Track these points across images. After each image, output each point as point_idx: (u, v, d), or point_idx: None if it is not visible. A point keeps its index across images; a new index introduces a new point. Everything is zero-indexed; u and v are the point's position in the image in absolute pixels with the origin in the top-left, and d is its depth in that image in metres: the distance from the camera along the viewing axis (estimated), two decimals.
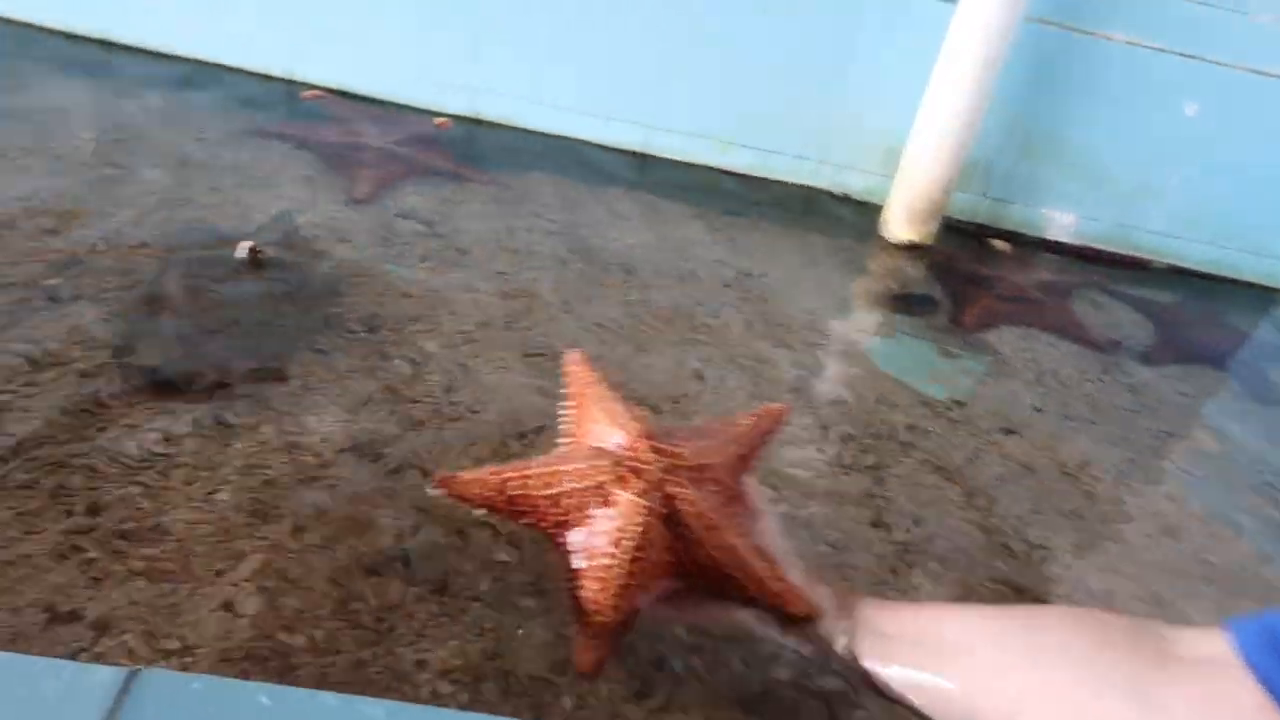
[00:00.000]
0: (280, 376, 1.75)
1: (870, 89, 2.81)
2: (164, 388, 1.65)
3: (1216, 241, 3.09)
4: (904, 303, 2.60)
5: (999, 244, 2.96)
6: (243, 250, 1.91)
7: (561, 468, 0.78)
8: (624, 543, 0.72)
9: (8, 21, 2.84)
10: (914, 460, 1.96)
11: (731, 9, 2.72)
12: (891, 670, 0.78)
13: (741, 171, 3.00)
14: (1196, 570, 1.92)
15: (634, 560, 0.72)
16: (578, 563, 0.76)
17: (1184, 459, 2.25)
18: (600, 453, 0.78)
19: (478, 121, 2.94)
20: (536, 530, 0.80)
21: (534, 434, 1.77)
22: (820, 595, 0.83)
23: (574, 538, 0.76)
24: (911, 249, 2.83)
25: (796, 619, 0.79)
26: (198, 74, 2.84)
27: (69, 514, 1.40)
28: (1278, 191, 2.99)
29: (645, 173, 2.95)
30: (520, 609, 1.40)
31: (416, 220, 2.37)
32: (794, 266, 2.62)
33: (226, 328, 1.80)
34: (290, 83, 2.88)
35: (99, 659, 1.22)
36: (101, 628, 1.25)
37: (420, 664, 1.29)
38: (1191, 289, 3.08)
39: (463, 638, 1.34)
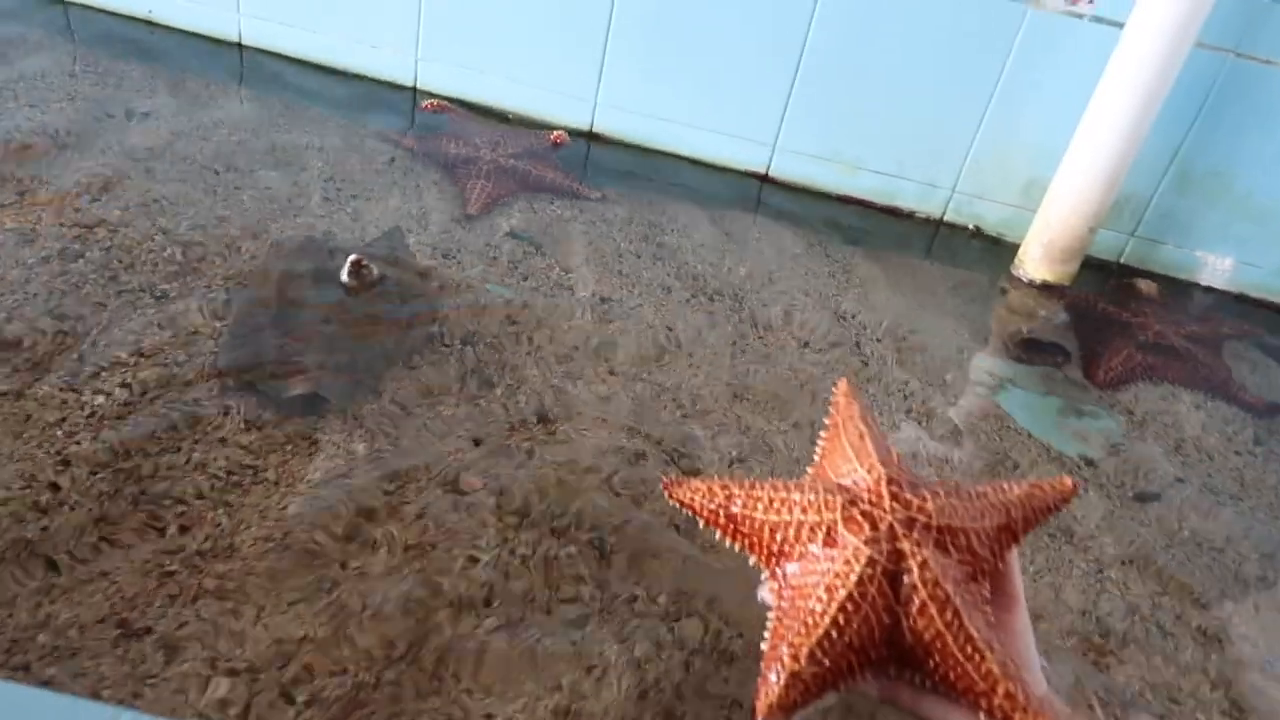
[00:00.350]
0: (373, 392, 1.76)
1: (1016, 113, 2.65)
2: (258, 398, 1.68)
3: None
4: (1034, 349, 2.43)
5: (1145, 285, 2.74)
6: (348, 264, 1.93)
7: (792, 496, 0.71)
8: (837, 590, 0.64)
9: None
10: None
11: (867, 22, 2.60)
12: None
13: (866, 198, 2.87)
14: None
15: (843, 611, 0.64)
16: (784, 599, 0.69)
17: None
18: (838, 489, 0.71)
19: (596, 137, 2.91)
20: (750, 553, 0.73)
21: (632, 463, 1.72)
22: (1059, 714, 0.68)
23: (789, 569, 0.70)
24: (1046, 289, 2.65)
25: None
26: (323, 77, 2.91)
27: (155, 530, 1.43)
28: None
29: (765, 196, 2.87)
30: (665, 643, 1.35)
31: (524, 239, 2.36)
32: (915, 306, 2.49)
33: (326, 341, 1.82)
34: (413, 90, 2.92)
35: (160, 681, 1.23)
36: (170, 648, 1.27)
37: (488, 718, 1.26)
38: None
39: (542, 695, 1.30)
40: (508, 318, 2.05)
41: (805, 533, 0.69)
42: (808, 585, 0.66)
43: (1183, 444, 2.21)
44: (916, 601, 0.65)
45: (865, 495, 0.70)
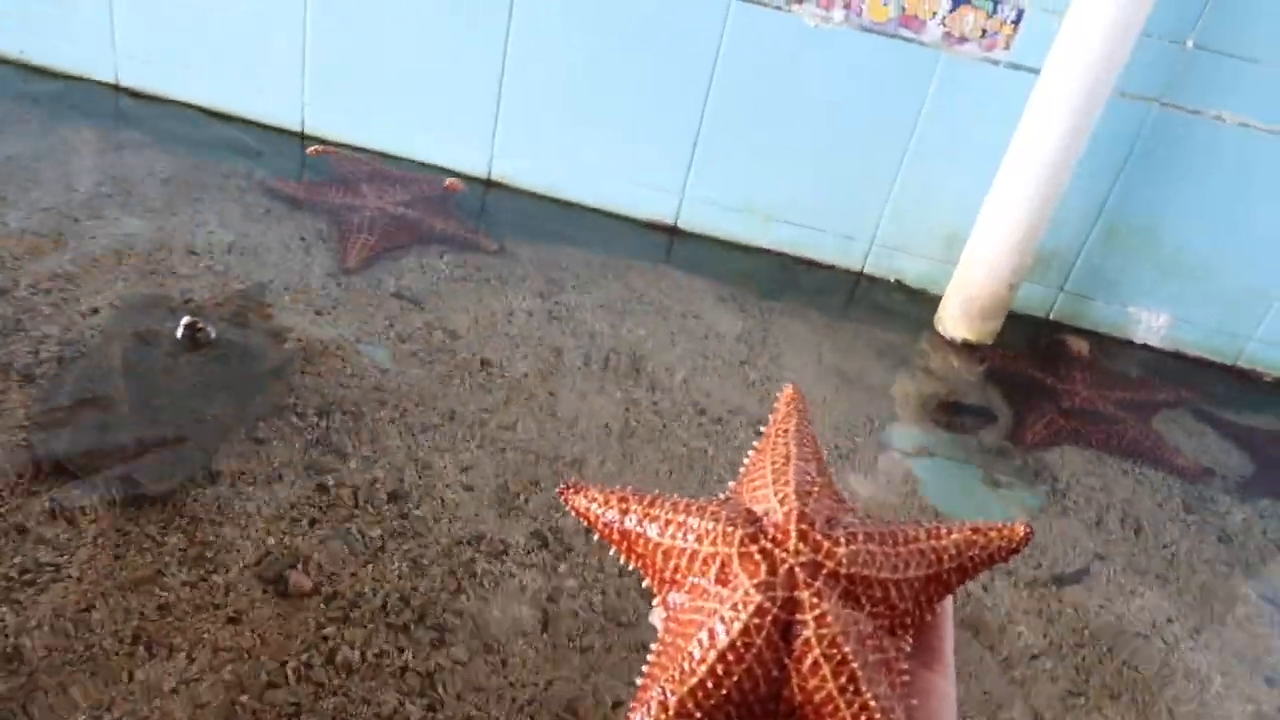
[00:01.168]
0: (203, 472, 1.60)
1: (934, 162, 2.57)
2: (69, 480, 1.52)
3: None
4: (954, 414, 2.32)
5: (1075, 344, 2.66)
6: (182, 327, 1.79)
7: (690, 520, 0.63)
8: (719, 636, 0.57)
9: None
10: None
11: (775, 64, 2.52)
12: None
13: (783, 250, 2.78)
14: None
15: (723, 660, 0.56)
16: (669, 632, 0.61)
17: None
18: (744, 518, 0.63)
19: (494, 184, 2.80)
20: (644, 574, 0.66)
21: (492, 555, 1.57)
22: None
23: (677, 599, 0.63)
24: (969, 349, 2.55)
25: None
26: (204, 122, 2.78)
27: None
28: None
29: (675, 249, 2.76)
30: None
31: (407, 296, 2.22)
32: (831, 366, 2.38)
33: (152, 415, 1.66)
34: (300, 136, 2.79)
35: None
36: None
37: None
38: None
39: None
40: (375, 385, 1.91)
41: (699, 564, 0.63)
42: (693, 622, 0.60)
43: (1107, 515, 2.10)
44: (809, 659, 0.58)
45: (771, 531, 0.63)
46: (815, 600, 0.58)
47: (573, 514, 0.67)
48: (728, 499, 0.68)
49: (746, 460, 0.70)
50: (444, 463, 1.76)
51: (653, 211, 2.78)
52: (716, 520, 0.63)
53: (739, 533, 0.62)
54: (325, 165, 2.66)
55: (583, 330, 2.25)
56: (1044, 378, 2.47)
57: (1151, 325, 2.75)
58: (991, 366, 2.51)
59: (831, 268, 2.80)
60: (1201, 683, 1.74)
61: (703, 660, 0.57)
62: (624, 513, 0.66)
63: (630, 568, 0.65)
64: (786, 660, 0.58)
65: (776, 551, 0.61)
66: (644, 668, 0.59)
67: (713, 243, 2.79)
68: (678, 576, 0.63)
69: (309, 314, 2.08)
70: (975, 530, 0.65)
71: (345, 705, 1.30)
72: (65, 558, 1.42)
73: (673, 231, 2.80)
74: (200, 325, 1.79)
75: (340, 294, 2.17)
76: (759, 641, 0.57)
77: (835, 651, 0.57)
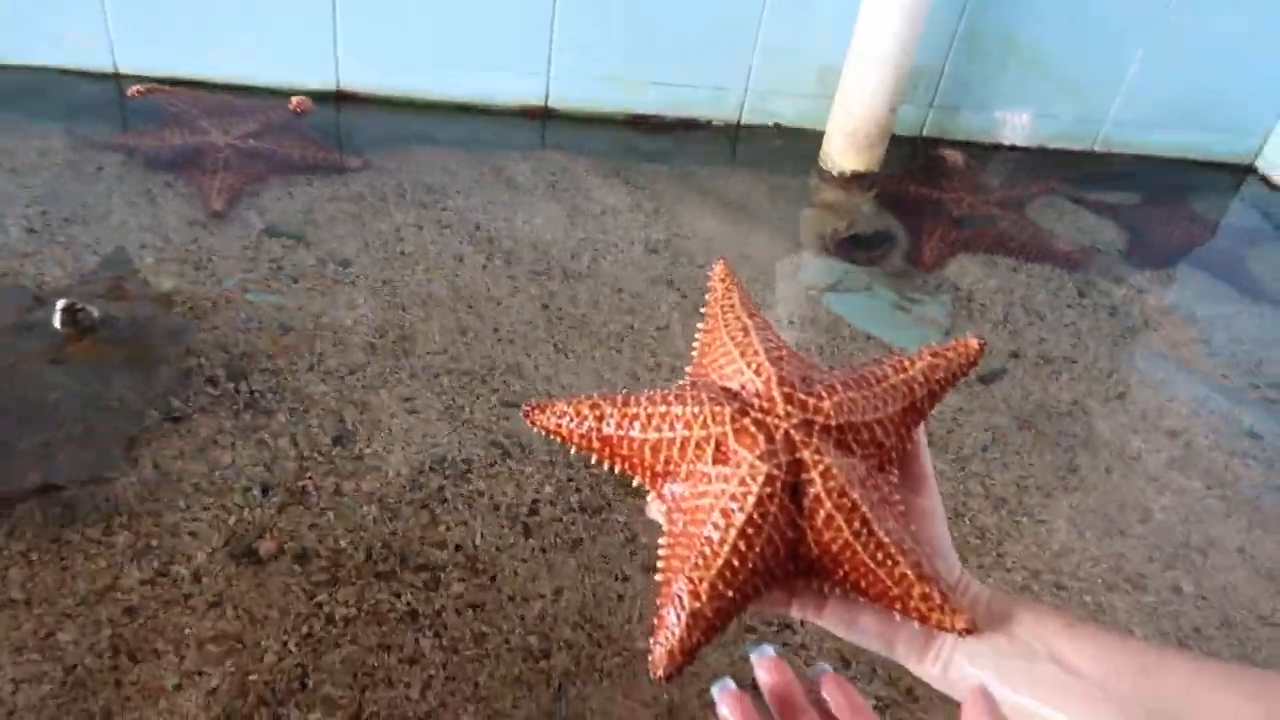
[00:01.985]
0: (127, 460, 1.48)
1: (796, 1, 2.53)
2: None
3: (1182, 125, 2.89)
4: (856, 245, 2.37)
5: (951, 155, 2.74)
6: (59, 311, 1.62)
7: (674, 409, 0.62)
8: (735, 514, 0.57)
9: None
10: None
11: None
12: None
13: (658, 113, 2.71)
14: (1216, 508, 1.77)
15: (743, 537, 0.57)
16: (675, 523, 0.60)
17: (1178, 382, 2.08)
18: (724, 395, 0.63)
19: (345, 97, 2.60)
20: (632, 474, 0.64)
21: (457, 478, 1.53)
22: (976, 599, 0.63)
23: (675, 490, 0.62)
24: (858, 179, 2.59)
25: (945, 630, 0.60)
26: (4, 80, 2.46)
27: None
28: (1243, 60, 2.79)
29: (550, 132, 2.66)
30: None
31: (284, 232, 2.07)
32: (728, 222, 2.37)
33: (51, 412, 1.52)
34: (115, 77, 2.51)
35: None
36: None
37: None
38: (1160, 180, 2.90)
39: None
40: (280, 328, 1.79)
41: (692, 450, 0.61)
42: (701, 508, 0.59)
43: (1012, 311, 2.21)
44: (822, 514, 0.59)
45: (756, 402, 0.62)
46: (817, 457, 0.59)
47: (542, 433, 0.65)
48: (694, 383, 0.66)
49: (697, 341, 0.69)
50: (380, 399, 1.68)
51: (520, 97, 2.65)
52: (700, 404, 0.62)
53: (728, 410, 0.61)
54: (153, 107, 2.40)
55: (479, 234, 2.16)
56: (930, 193, 2.54)
57: (1016, 126, 2.85)
58: (881, 192, 2.56)
59: (709, 123, 2.76)
60: (1121, 445, 1.90)
61: (723, 541, 0.57)
62: (600, 419, 0.63)
63: (615, 471, 0.63)
64: (799, 519, 0.59)
65: (768, 419, 0.61)
66: (659, 564, 0.59)
67: (587, 119, 2.70)
68: (670, 467, 0.62)
69: (186, 270, 1.91)
70: (935, 354, 0.67)
71: (358, 654, 1.26)
72: (1, 584, 1.31)
73: (545, 114, 2.69)
74: (80, 307, 1.62)
75: (212, 243, 2.00)
76: (773, 510, 0.58)
77: (845, 500, 0.58)
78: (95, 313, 1.65)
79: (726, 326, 0.68)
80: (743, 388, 0.64)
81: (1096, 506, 1.74)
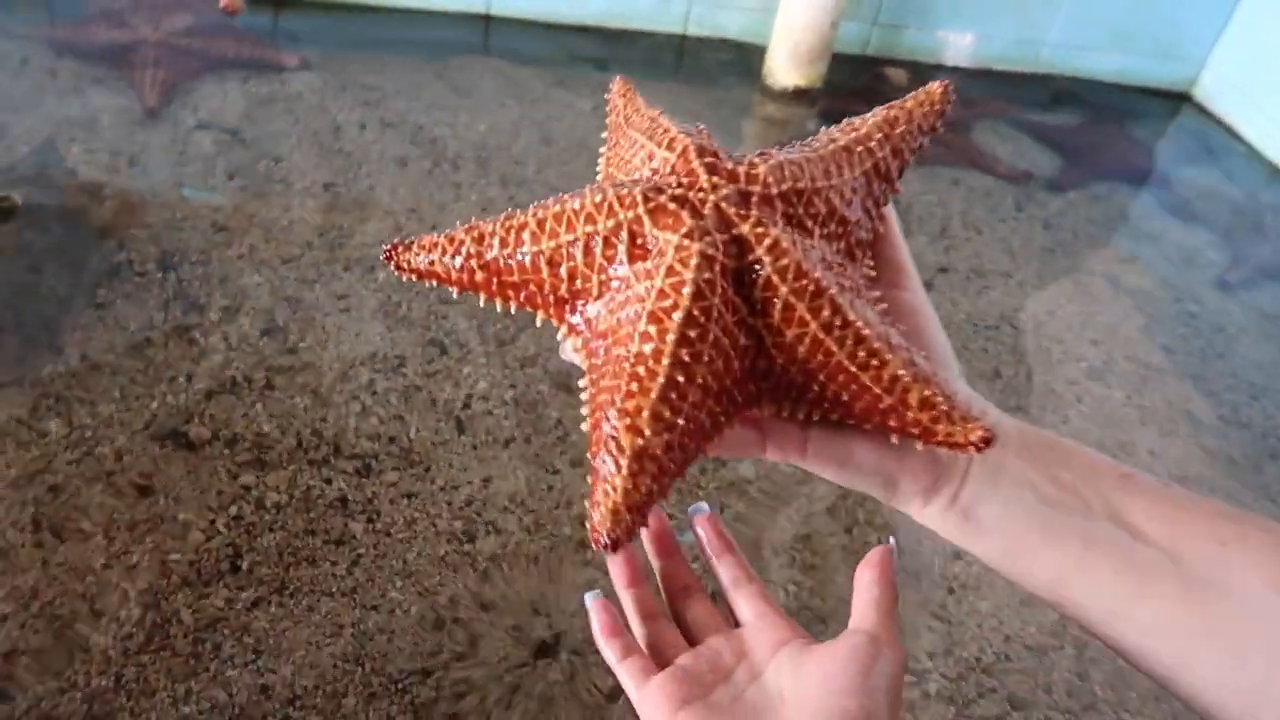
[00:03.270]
0: (53, 349, 1.46)
1: None
2: None
3: (1121, 48, 2.91)
4: None
5: (894, 73, 2.73)
6: None
7: (569, 206, 0.47)
8: (670, 316, 0.43)
9: None
10: None
11: None
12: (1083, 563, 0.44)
13: (599, 24, 2.66)
14: (1131, 416, 1.83)
15: (683, 342, 0.42)
16: (595, 354, 0.46)
17: (1104, 296, 2.13)
18: (631, 183, 0.48)
19: (281, 1, 2.52)
20: (535, 310, 0.50)
21: (390, 372, 1.53)
22: (998, 427, 0.47)
23: (589, 311, 0.47)
24: (800, 95, 2.57)
25: (957, 448, 0.44)
26: None
27: None
28: None
29: (491, 38, 2.60)
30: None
31: (218, 128, 2.02)
32: None
33: None
34: None
35: None
36: None
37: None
38: (1098, 102, 2.92)
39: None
40: (214, 225, 1.76)
41: (600, 252, 0.46)
42: (623, 323, 0.45)
43: (950, 225, 2.24)
44: (777, 305, 0.44)
45: (671, 179, 0.48)
46: (760, 230, 0.45)
47: (412, 277, 0.51)
48: (597, 186, 0.51)
49: (601, 155, 0.56)
50: (314, 294, 1.66)
51: (462, 1, 2.59)
52: (601, 194, 0.48)
53: (637, 190, 0.47)
54: (79, 1, 2.31)
55: (422, 136, 2.13)
56: (870, 109, 2.53)
57: (959, 46, 2.85)
58: (823, 108, 2.55)
59: (653, 34, 2.72)
60: (1046, 353, 1.94)
61: (658, 353, 0.43)
62: (480, 241, 0.49)
63: (513, 310, 0.50)
64: (751, 320, 0.45)
65: (690, 194, 0.47)
66: (584, 407, 0.45)
67: (529, 26, 2.65)
68: (578, 284, 0.48)
69: (119, 164, 1.86)
70: (891, 107, 0.55)
71: (288, 540, 1.27)
72: None
73: (487, 19, 2.63)
74: (3, 195, 1.57)
75: (145, 137, 1.95)
76: (716, 302, 0.43)
77: (804, 282, 0.44)
78: (19, 199, 1.60)
79: (629, 123, 0.55)
80: (654, 171, 0.50)
81: (1018, 412, 1.79)
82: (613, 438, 0.42)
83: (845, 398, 0.45)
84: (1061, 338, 1.99)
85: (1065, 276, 2.18)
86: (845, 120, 0.54)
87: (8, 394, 1.39)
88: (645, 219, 0.46)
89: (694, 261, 0.44)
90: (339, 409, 1.46)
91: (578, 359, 0.48)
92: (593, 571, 1.29)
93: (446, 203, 1.95)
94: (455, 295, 0.52)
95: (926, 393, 0.44)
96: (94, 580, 1.18)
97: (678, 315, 0.43)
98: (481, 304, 0.51)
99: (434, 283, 0.51)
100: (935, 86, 0.56)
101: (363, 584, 1.23)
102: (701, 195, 0.47)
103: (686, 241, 0.44)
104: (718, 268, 0.44)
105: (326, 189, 1.91)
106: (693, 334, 0.43)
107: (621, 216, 0.46)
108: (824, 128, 0.54)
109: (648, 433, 0.42)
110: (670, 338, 0.42)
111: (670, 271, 0.44)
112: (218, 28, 2.27)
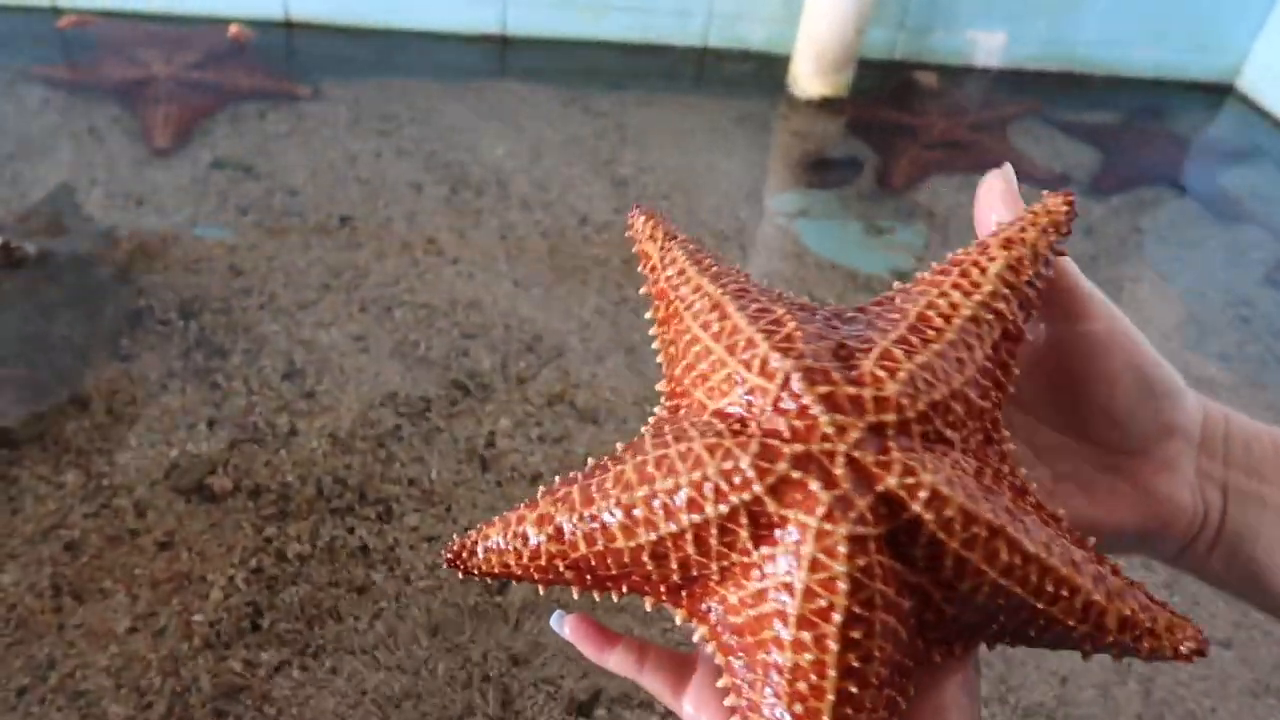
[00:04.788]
0: (74, 402, 1.45)
1: None
2: None
3: (1159, 41, 2.83)
4: (824, 170, 2.32)
5: (924, 78, 2.68)
6: None
7: (660, 485, 0.38)
8: (830, 619, 0.36)
9: None
10: None
11: None
12: None
13: (619, 40, 2.64)
14: None
15: (849, 647, 0.36)
16: (729, 653, 0.39)
17: (1152, 305, 2.06)
18: (730, 431, 0.39)
19: (293, 26, 2.51)
20: (641, 595, 0.42)
21: (416, 418, 1.50)
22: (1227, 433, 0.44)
23: (716, 599, 0.39)
24: (826, 104, 2.53)
25: (1167, 659, 0.40)
26: None
27: None
28: None
29: (507, 60, 2.58)
30: None
31: (231, 164, 2.01)
32: (694, 148, 2.32)
33: None
34: (52, 10, 2.41)
35: None
36: None
37: None
38: (1135, 101, 2.85)
39: None
40: (230, 267, 1.75)
41: (715, 540, 0.38)
42: (764, 620, 0.37)
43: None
44: (949, 560, 0.37)
45: (782, 425, 0.38)
46: (910, 482, 0.37)
47: (487, 580, 0.45)
48: (676, 415, 0.43)
49: (657, 350, 0.46)
50: (330, 337, 1.64)
51: (477, 23, 2.57)
52: (699, 464, 0.38)
53: (744, 461, 0.37)
54: (88, 38, 2.31)
55: (436, 162, 2.11)
56: (901, 117, 2.49)
57: (990, 47, 2.79)
58: (851, 117, 2.50)
59: (673, 49, 2.68)
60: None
61: (821, 666, 0.36)
62: (559, 540, 0.41)
63: (615, 599, 0.42)
64: (914, 579, 0.37)
65: (814, 448, 0.37)
66: (729, 705, 0.39)
67: (546, 45, 2.62)
68: (694, 573, 0.39)
69: (130, 206, 1.86)
70: (1010, 242, 0.43)
71: (311, 593, 1.24)
72: None
73: (503, 41, 2.61)
74: (14, 244, 1.57)
75: (157, 178, 1.94)
76: (877, 586, 0.36)
77: (975, 529, 0.37)
78: (31, 250, 1.60)
79: (690, 310, 0.44)
80: (750, 405, 0.39)
81: None
82: None
83: (1032, 633, 0.39)
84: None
85: (1110, 286, 2.12)
86: (950, 257, 0.44)
87: (27, 449, 1.38)
88: (767, 500, 0.37)
89: (843, 550, 0.35)
90: (361, 455, 1.44)
91: (707, 649, 0.40)
92: (627, 619, 1.26)
93: (466, 229, 1.93)
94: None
95: (1126, 612, 0.38)
96: (116, 649, 1.16)
97: (836, 617, 0.35)
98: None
99: (513, 581, 0.43)
100: (1055, 201, 0.45)
101: (385, 640, 1.20)
102: (828, 448, 0.37)
103: (829, 526, 0.36)
104: (872, 546, 0.36)
105: (343, 223, 1.90)
106: (858, 635, 0.36)
107: (735, 500, 0.37)
108: (918, 274, 0.44)
109: None
110: (832, 646, 0.35)
111: (815, 565, 0.36)
112: (229, 58, 2.27)
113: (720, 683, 0.39)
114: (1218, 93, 2.95)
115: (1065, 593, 0.38)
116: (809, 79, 2.51)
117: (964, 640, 0.40)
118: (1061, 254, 0.45)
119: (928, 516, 0.36)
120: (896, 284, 0.44)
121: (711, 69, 2.68)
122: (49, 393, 1.44)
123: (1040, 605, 0.38)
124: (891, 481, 0.36)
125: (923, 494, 0.36)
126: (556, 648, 1.22)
